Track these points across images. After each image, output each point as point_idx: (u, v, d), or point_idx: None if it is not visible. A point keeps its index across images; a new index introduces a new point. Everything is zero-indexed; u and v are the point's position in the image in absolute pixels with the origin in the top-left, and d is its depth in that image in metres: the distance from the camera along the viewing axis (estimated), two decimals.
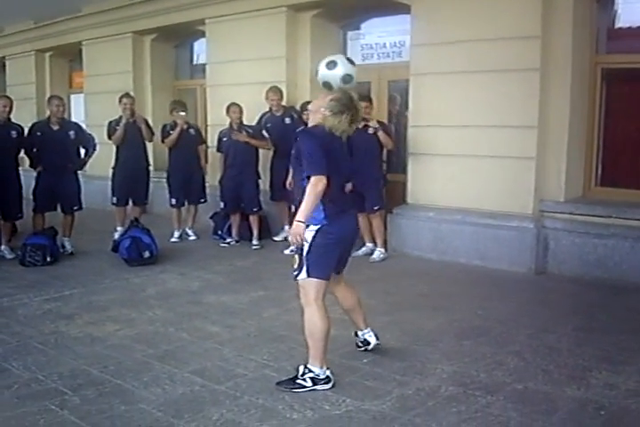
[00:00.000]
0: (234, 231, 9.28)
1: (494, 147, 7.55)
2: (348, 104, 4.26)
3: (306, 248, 4.24)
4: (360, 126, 8.13)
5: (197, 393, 4.21)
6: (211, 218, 9.67)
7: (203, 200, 9.76)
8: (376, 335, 4.85)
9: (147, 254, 7.85)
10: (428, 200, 8.19)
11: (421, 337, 5.29)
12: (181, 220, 9.71)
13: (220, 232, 9.44)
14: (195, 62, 12.37)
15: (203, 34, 10.97)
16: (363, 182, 8.06)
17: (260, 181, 9.20)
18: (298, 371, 4.33)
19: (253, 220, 9.08)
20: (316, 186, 4.09)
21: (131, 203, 9.61)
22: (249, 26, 9.88)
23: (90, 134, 8.85)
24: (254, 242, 8.97)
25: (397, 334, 5.34)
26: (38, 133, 8.37)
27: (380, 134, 7.92)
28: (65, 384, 4.33)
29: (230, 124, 9.15)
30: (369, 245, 8.25)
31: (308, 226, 4.21)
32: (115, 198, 9.54)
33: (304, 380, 4.27)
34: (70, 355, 4.90)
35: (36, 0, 11.93)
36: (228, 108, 9.14)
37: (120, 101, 9.28)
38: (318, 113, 4.35)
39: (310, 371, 4.28)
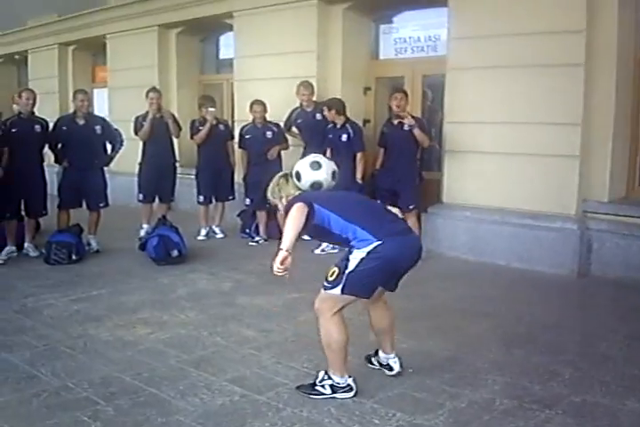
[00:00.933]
0: (261, 229, 9.06)
1: (535, 144, 7.28)
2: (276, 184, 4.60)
3: (350, 267, 3.94)
4: (395, 123, 7.99)
5: (237, 404, 3.98)
6: (238, 216, 9.46)
7: (231, 197, 9.51)
8: (401, 363, 4.42)
9: (175, 253, 7.64)
10: (464, 199, 7.91)
11: (467, 344, 5.04)
12: (209, 217, 9.47)
13: (247, 230, 9.23)
14: (221, 57, 12.15)
15: (230, 27, 10.73)
16: (398, 180, 7.88)
17: None
18: (317, 377, 4.12)
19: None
20: (293, 212, 3.90)
21: (157, 200, 9.40)
22: (278, 19, 9.64)
23: (116, 129, 8.59)
24: None
25: (441, 341, 5.09)
26: (64, 128, 8.20)
27: (416, 131, 7.66)
28: (97, 393, 4.10)
29: (253, 120, 9.01)
30: None
31: (351, 252, 3.97)
32: (141, 195, 9.32)
33: (322, 387, 4.07)
34: (101, 360, 4.69)
35: None
36: (251, 106, 8.99)
37: (147, 96, 9.07)
38: (282, 199, 4.46)
39: (330, 378, 4.06)
